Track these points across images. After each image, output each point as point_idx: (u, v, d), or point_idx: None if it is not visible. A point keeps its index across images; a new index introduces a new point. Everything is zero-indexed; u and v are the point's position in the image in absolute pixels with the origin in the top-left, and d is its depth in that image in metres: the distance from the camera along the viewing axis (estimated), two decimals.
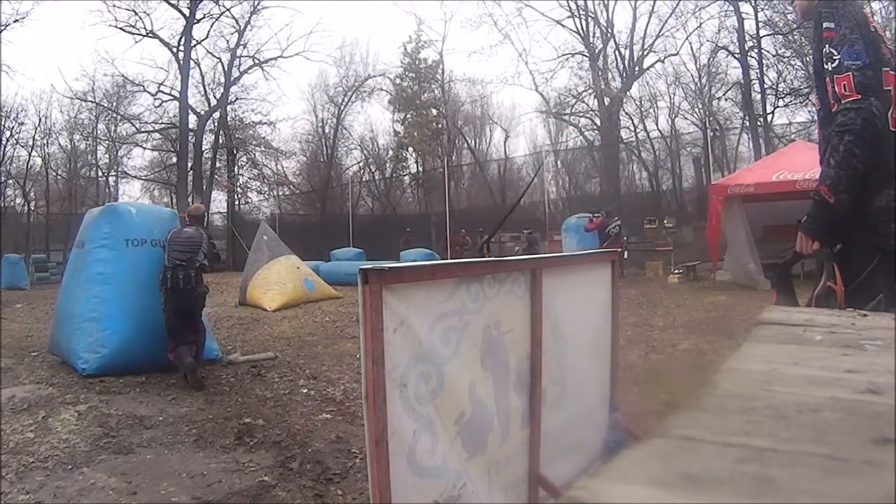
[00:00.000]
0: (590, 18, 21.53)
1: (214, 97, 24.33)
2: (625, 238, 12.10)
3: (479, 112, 26.98)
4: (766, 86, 19.42)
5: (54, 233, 22.76)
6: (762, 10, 18.93)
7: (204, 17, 23.05)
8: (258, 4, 23.53)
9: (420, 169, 25.84)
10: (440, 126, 25.12)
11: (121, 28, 22.12)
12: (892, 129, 1.75)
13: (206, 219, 5.31)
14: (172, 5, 22.28)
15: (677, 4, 20.02)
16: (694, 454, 0.52)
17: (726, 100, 20.73)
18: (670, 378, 3.93)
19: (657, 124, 23.01)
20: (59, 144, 24.96)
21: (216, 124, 24.51)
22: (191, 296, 4.69)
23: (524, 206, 19.19)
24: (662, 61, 21.35)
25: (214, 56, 24.13)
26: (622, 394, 2.79)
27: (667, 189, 21.83)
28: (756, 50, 19.29)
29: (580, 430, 2.38)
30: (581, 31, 21.66)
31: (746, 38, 19.37)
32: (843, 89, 1.69)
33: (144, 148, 25.34)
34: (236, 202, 24.96)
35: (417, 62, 24.88)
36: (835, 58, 1.72)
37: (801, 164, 8.81)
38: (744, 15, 19.33)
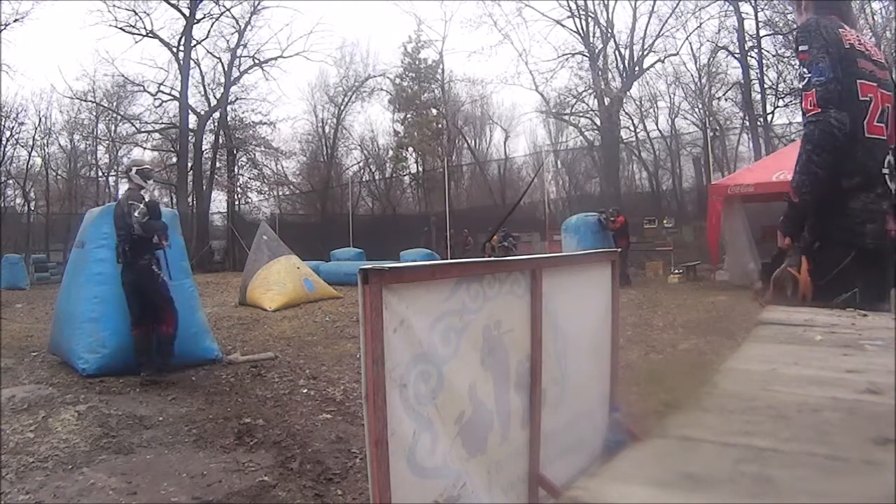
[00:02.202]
0: (590, 18, 21.56)
1: (214, 97, 24.36)
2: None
3: (479, 112, 27.04)
4: (766, 86, 19.44)
5: (54, 233, 22.78)
6: (762, 10, 18.96)
7: (204, 17, 23.11)
8: (258, 4, 23.59)
9: (420, 169, 25.86)
10: (440, 126, 25.15)
11: (121, 28, 22.19)
12: (869, 136, 1.89)
13: (143, 171, 4.83)
14: (172, 5, 22.32)
15: (677, 4, 20.05)
16: (694, 454, 0.52)
17: (726, 100, 20.77)
18: (670, 378, 3.93)
19: (657, 124, 23.05)
20: (59, 144, 25.06)
21: (216, 124, 24.53)
22: (132, 271, 4.53)
23: (524, 206, 19.17)
24: (662, 61, 21.39)
25: (214, 56, 24.20)
26: (622, 394, 2.79)
27: (667, 189, 21.83)
28: (756, 50, 19.30)
29: (580, 430, 2.38)
30: (581, 31, 21.69)
31: (746, 38, 19.38)
32: (808, 104, 1.87)
33: (144, 148, 25.37)
34: (236, 202, 25.00)
35: (417, 62, 24.91)
36: (805, 76, 1.89)
37: None
38: (744, 15, 19.35)
